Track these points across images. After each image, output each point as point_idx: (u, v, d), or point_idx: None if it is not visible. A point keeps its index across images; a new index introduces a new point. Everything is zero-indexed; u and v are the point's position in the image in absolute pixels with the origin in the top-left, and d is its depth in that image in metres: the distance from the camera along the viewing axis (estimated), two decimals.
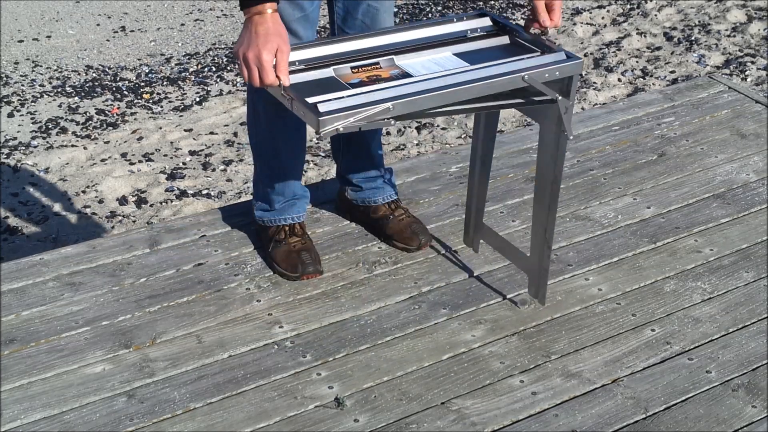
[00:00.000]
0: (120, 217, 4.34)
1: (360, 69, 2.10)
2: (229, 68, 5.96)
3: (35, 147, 5.02)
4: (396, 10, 6.75)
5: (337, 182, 2.87)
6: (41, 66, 6.06)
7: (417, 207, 2.91)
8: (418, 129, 5.02)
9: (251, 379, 2.25)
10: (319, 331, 2.42)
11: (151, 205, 4.43)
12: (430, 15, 6.64)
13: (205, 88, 5.71)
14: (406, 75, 2.07)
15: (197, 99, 5.55)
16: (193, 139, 5.05)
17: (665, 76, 5.46)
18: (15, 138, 5.13)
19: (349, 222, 2.83)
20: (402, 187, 2.99)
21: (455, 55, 2.17)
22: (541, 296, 2.46)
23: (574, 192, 2.98)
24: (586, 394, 2.22)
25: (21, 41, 6.38)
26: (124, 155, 4.90)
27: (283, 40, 1.96)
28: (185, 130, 5.12)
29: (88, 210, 4.38)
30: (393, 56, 2.12)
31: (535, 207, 2.38)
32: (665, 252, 2.71)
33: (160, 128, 5.18)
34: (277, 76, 1.96)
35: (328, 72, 2.08)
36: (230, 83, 5.75)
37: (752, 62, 5.53)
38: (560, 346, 2.36)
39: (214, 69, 5.97)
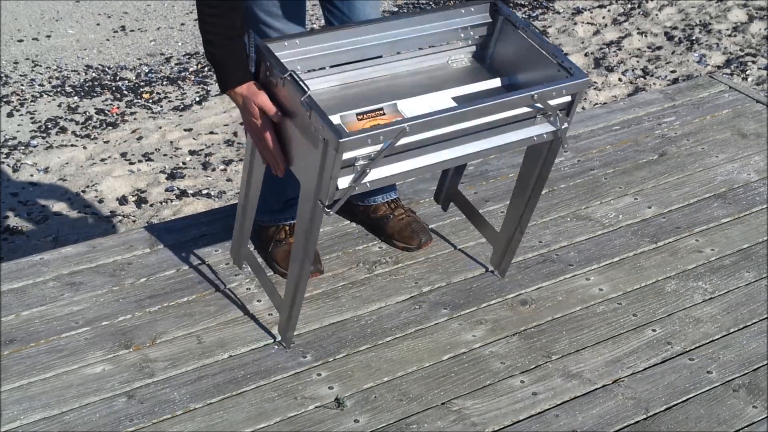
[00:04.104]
0: (120, 217, 4.33)
1: (365, 115, 2.16)
2: None
3: (35, 147, 5.01)
4: (396, 9, 6.74)
5: None
6: (41, 66, 6.05)
7: (417, 207, 2.90)
8: None
9: (251, 380, 2.25)
10: (320, 331, 2.41)
11: (151, 205, 4.43)
12: None
13: (205, 87, 5.71)
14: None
15: (197, 99, 5.54)
16: (193, 138, 5.05)
17: (666, 76, 5.45)
18: (14, 138, 5.13)
19: (349, 222, 2.82)
20: (402, 186, 2.98)
21: (453, 99, 2.22)
22: (503, 270, 2.51)
23: (574, 192, 2.97)
24: (587, 395, 2.22)
25: (21, 41, 6.37)
26: (123, 155, 4.90)
27: (256, 96, 2.12)
28: (185, 130, 5.12)
29: (88, 210, 4.38)
30: (396, 101, 2.18)
31: (514, 195, 2.40)
32: (666, 252, 2.71)
33: (160, 128, 5.18)
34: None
35: (335, 119, 2.12)
36: None
37: (753, 62, 5.52)
38: (561, 347, 2.36)
39: None
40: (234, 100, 2.19)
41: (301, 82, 1.99)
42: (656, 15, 6.33)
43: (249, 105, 2.16)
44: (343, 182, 1.99)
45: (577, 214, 2.87)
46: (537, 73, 2.24)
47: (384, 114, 2.17)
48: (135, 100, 5.57)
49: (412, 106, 2.19)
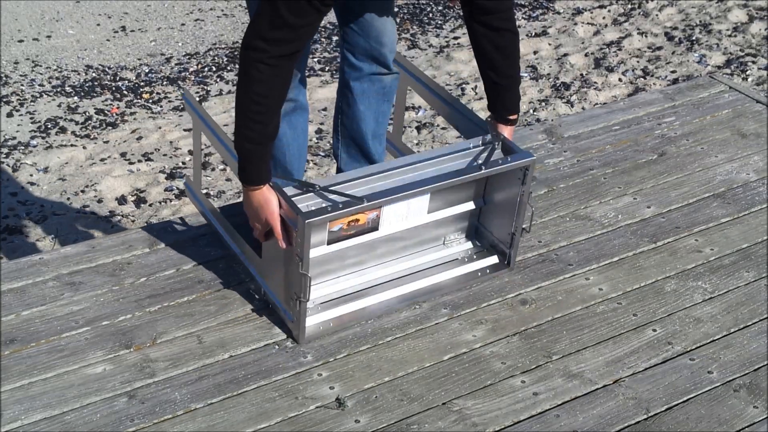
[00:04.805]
0: (119, 217, 4.34)
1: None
2: (229, 68, 5.96)
3: (34, 147, 5.01)
4: (396, 10, 6.75)
5: None
6: (41, 66, 6.05)
7: None
8: (418, 129, 5.02)
9: (252, 380, 2.25)
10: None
11: (150, 205, 4.43)
12: (430, 15, 6.64)
13: (205, 87, 5.71)
14: (375, 225, 2.39)
15: (197, 99, 5.54)
16: None
17: (666, 76, 5.45)
18: (14, 138, 5.13)
19: None
20: None
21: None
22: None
23: (574, 192, 2.97)
24: (588, 395, 2.22)
25: (21, 41, 6.37)
26: (123, 155, 4.90)
27: (271, 213, 2.22)
28: (185, 130, 5.12)
29: (87, 210, 4.38)
30: (384, 204, 2.32)
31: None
32: (666, 252, 2.71)
33: (160, 128, 5.18)
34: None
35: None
36: (230, 83, 5.75)
37: (753, 62, 5.52)
38: (561, 347, 2.36)
39: (214, 69, 5.97)
40: (247, 194, 2.24)
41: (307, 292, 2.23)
42: (656, 15, 6.33)
43: (260, 214, 2.23)
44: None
45: (576, 214, 2.87)
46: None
47: (363, 212, 2.31)
48: (135, 100, 5.58)
49: (390, 212, 2.36)
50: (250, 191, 2.22)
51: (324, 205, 2.22)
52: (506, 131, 2.48)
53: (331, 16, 6.24)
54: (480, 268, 2.57)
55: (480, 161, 2.39)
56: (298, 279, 2.22)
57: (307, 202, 2.24)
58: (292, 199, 2.20)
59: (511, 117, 2.48)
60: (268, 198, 2.21)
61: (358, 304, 2.44)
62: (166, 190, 4.54)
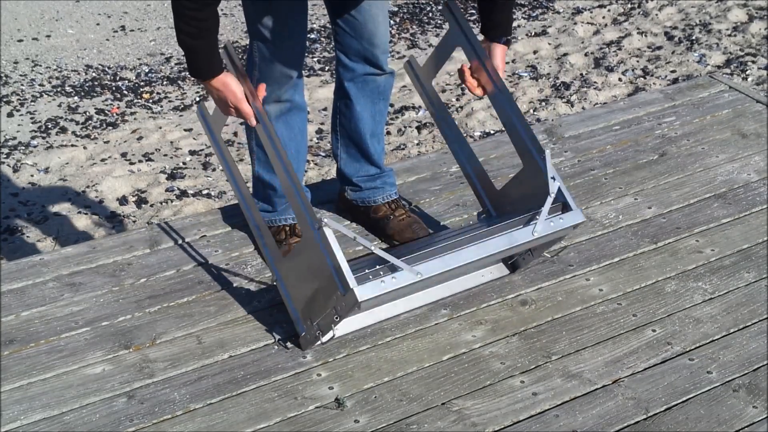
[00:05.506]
0: (120, 217, 4.34)
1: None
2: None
3: (35, 147, 5.02)
4: (396, 9, 6.75)
5: (337, 182, 2.87)
6: (41, 65, 6.06)
7: (418, 207, 2.90)
8: (418, 129, 5.02)
9: (251, 380, 2.25)
10: None
11: (151, 205, 4.43)
12: (430, 14, 6.63)
13: None
14: None
15: (197, 98, 5.54)
16: (193, 138, 5.05)
17: (666, 76, 5.45)
18: (15, 138, 5.13)
19: (349, 222, 2.82)
20: (402, 187, 2.98)
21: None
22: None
23: (574, 192, 2.97)
24: (587, 395, 2.22)
25: (21, 41, 6.37)
26: (124, 155, 4.90)
27: (232, 93, 2.29)
28: (185, 130, 5.12)
29: (88, 210, 4.38)
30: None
31: None
32: (666, 252, 2.71)
33: (160, 128, 5.18)
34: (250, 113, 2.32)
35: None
36: None
37: (753, 62, 5.52)
38: (561, 347, 2.36)
39: None
40: (207, 87, 2.31)
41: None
42: (656, 15, 6.33)
43: (225, 100, 2.29)
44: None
45: None
46: None
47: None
48: (135, 100, 5.58)
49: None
50: (208, 84, 2.29)
51: (378, 278, 2.14)
52: (498, 50, 2.45)
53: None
54: (484, 272, 2.56)
55: (533, 223, 2.32)
56: (326, 317, 2.19)
57: (359, 270, 2.16)
58: (343, 269, 2.12)
59: (505, 37, 2.46)
60: (225, 82, 2.27)
61: (366, 311, 2.42)
62: (167, 190, 4.54)
